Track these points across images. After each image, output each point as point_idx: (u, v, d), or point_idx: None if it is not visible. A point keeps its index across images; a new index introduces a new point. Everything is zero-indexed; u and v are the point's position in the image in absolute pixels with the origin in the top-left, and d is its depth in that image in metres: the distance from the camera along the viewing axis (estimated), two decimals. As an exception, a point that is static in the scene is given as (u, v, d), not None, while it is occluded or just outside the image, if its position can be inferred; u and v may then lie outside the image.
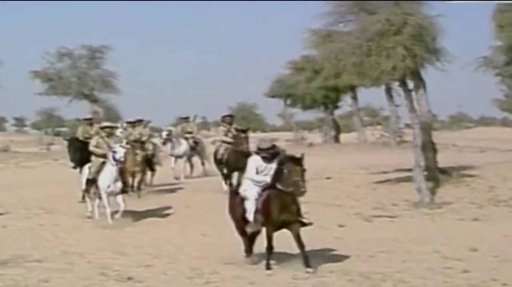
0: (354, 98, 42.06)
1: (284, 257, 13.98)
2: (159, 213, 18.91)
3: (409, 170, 20.66)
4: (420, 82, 20.78)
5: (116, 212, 17.76)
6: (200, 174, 25.55)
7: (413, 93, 20.70)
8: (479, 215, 18.32)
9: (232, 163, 21.02)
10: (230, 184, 20.64)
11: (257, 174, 13.37)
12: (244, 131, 21.23)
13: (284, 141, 50.57)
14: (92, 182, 18.29)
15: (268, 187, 13.13)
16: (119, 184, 17.86)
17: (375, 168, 23.92)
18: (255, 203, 13.29)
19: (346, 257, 13.97)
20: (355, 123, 43.80)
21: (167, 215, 18.76)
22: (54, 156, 32.19)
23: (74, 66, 37.96)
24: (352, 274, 12.26)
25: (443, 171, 21.84)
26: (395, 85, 21.26)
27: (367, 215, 18.51)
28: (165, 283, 11.86)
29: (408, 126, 30.58)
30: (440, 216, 18.41)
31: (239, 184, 20.68)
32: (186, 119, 26.13)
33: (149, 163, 22.37)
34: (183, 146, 25.45)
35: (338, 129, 43.73)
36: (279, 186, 12.94)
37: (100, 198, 18.10)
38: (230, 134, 21.44)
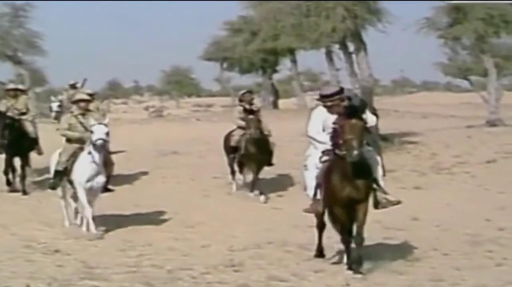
0: (294, 61, 42.12)
1: (221, 229, 14.06)
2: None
3: (350, 136, 20.83)
4: (360, 45, 20.94)
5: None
6: None
7: (353, 56, 20.86)
8: (421, 183, 18.62)
9: (251, 154, 17.60)
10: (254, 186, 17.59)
11: (324, 131, 10.57)
12: (251, 112, 17.64)
13: (220, 106, 50.62)
14: (62, 174, 14.15)
15: (329, 152, 10.41)
16: (102, 179, 13.84)
17: (315, 135, 24.06)
18: (316, 175, 10.54)
19: (284, 227, 14.08)
20: (295, 88, 43.92)
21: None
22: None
23: (-4, 25, 37.25)
24: (290, 245, 12.37)
25: (385, 137, 22.10)
26: (335, 47, 21.40)
27: (306, 183, 18.63)
28: (96, 256, 11.81)
29: (349, 91, 30.80)
30: (381, 184, 18.64)
31: (254, 183, 17.32)
32: (73, 85, 21.30)
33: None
34: None
35: (276, 94, 43.80)
36: (336, 150, 10.24)
37: (75, 197, 14.18)
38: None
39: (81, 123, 14.08)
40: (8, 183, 18.08)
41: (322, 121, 10.67)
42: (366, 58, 21.24)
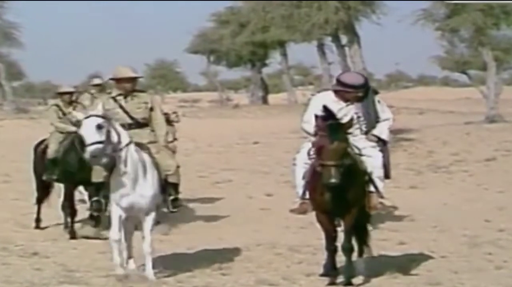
0: (284, 55, 42.18)
1: (207, 230, 14.06)
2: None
3: (343, 133, 20.84)
4: (354, 37, 20.99)
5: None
6: None
7: (346, 49, 20.91)
8: (417, 182, 18.65)
9: None
10: None
11: None
12: None
13: (207, 102, 50.64)
14: (102, 189, 10.32)
15: None
16: (149, 193, 10.03)
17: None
18: (304, 172, 9.90)
19: (274, 228, 14.08)
20: (285, 83, 44.03)
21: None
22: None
23: (-29, 17, 37.17)
24: (280, 247, 12.37)
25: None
26: (328, 40, 21.45)
27: (297, 182, 18.64)
28: (75, 259, 11.79)
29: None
30: (375, 184, 18.66)
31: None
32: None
33: None
34: None
35: (266, 89, 43.86)
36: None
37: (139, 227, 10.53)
38: None
39: (121, 107, 10.42)
40: (67, 225, 14.21)
41: (320, 108, 9.60)
42: (359, 51, 21.29)
